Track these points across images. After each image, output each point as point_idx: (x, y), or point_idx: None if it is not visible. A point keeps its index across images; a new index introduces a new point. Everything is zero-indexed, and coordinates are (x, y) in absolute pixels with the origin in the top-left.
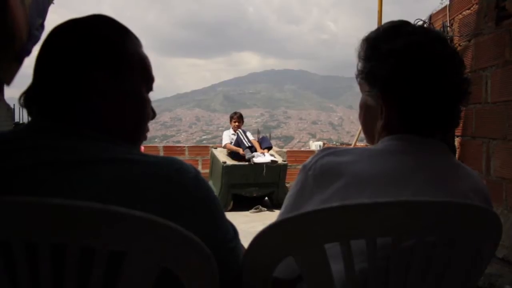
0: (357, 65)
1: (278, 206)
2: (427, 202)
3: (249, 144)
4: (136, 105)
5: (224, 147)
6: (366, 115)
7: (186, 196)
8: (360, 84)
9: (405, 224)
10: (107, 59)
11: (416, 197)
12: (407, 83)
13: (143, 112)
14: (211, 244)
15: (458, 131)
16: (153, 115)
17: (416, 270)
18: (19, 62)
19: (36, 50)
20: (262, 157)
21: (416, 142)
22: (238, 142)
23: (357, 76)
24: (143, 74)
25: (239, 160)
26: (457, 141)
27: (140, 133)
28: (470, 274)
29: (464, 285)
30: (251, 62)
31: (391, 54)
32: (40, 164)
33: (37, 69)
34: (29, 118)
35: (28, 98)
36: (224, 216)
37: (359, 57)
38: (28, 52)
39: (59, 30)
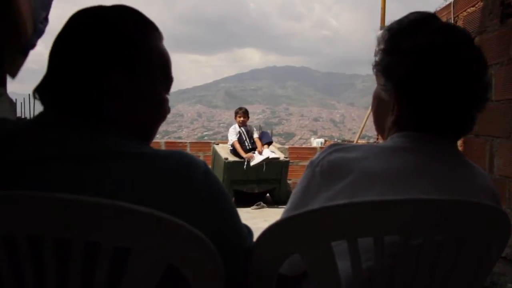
0: (375, 54)
1: (279, 203)
2: (435, 200)
3: (250, 147)
4: (152, 106)
5: (232, 145)
6: (378, 108)
7: (195, 191)
8: (376, 75)
9: (413, 222)
10: (127, 59)
11: (424, 195)
12: (423, 83)
13: (159, 112)
14: (220, 242)
15: None
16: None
17: (424, 269)
18: (24, 55)
19: (40, 44)
20: (258, 157)
21: (425, 140)
22: (240, 142)
23: (373, 67)
24: (162, 73)
25: (240, 157)
26: (460, 139)
27: (154, 131)
28: (478, 273)
29: (472, 284)
30: (253, 58)
31: (411, 51)
32: (46, 157)
33: (52, 58)
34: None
35: (42, 89)
36: (235, 213)
37: (379, 47)
38: (32, 45)
39: (81, 18)
